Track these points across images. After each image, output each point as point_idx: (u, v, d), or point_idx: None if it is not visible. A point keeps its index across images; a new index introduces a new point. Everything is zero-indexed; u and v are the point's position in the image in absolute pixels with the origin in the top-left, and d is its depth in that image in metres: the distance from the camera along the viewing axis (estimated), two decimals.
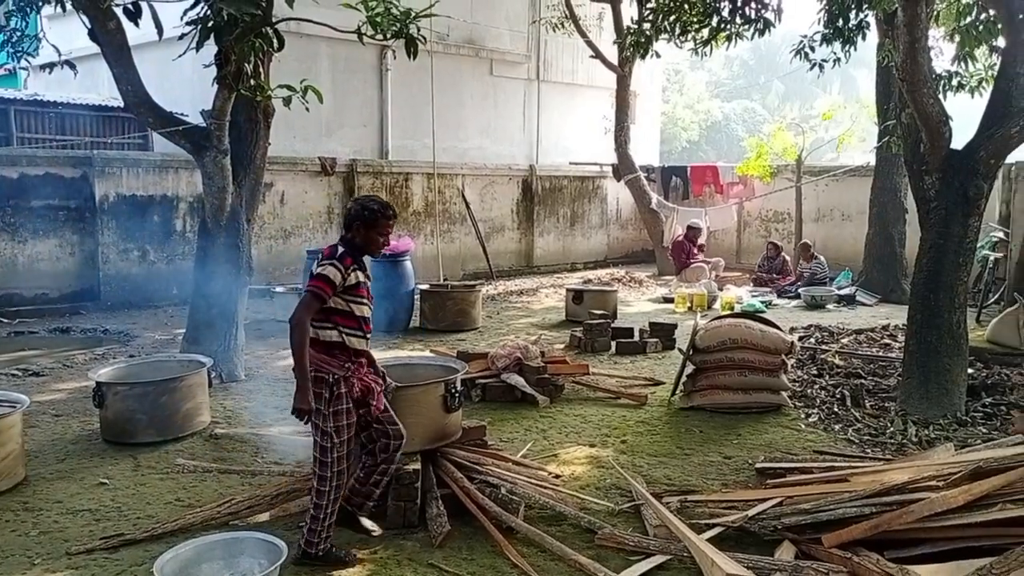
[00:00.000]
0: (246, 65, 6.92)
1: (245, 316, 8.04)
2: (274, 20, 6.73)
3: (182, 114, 8.46)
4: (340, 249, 3.93)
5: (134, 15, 6.45)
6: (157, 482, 5.09)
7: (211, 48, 6.67)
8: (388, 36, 6.44)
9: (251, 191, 7.68)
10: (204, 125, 7.24)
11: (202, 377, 6.15)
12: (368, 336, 4.06)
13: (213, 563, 3.78)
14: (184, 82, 11.70)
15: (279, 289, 11.21)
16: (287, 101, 6.75)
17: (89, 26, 6.98)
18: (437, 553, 4.10)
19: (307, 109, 6.88)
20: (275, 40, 6.79)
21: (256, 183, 7.75)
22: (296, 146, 13.63)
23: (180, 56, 6.62)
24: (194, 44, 6.39)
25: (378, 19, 6.34)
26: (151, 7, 6.66)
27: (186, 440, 5.85)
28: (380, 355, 4.74)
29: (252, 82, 7.04)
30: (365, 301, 4.00)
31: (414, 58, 6.44)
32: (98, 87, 14.68)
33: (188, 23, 6.45)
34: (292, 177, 13.22)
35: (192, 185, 11.80)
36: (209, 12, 6.31)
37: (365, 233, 3.94)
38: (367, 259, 4.07)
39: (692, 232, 14.96)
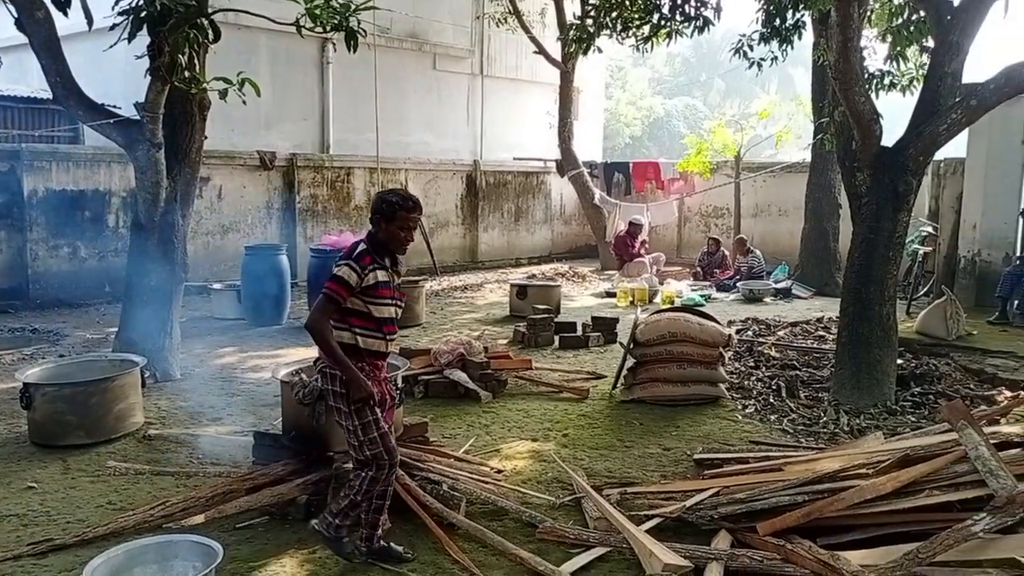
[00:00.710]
0: (180, 56, 6.75)
1: (181, 314, 7.87)
2: (210, 11, 6.59)
3: (115, 106, 8.21)
4: (361, 247, 3.77)
5: (63, 4, 6.25)
6: (87, 485, 4.95)
7: (144, 39, 6.50)
8: (328, 29, 6.36)
9: (186, 186, 7.49)
10: (137, 118, 7.05)
11: (134, 377, 5.99)
12: (390, 338, 3.90)
13: (146, 567, 3.68)
14: (116, 74, 11.38)
15: (216, 286, 11.00)
16: (223, 94, 6.61)
17: (16, 15, 6.73)
18: None
19: (244, 102, 6.75)
20: (211, 31, 6.66)
21: (191, 177, 7.56)
22: (234, 139, 13.36)
23: (111, 47, 6.43)
24: (126, 35, 6.22)
25: (317, 11, 6.26)
26: None
27: (118, 442, 5.69)
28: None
29: (187, 74, 6.87)
30: (387, 301, 3.82)
31: (354, 51, 6.39)
32: (27, 78, 14.17)
33: (120, 13, 6.27)
34: (230, 171, 12.96)
35: (125, 179, 11.47)
36: (141, 2, 6.15)
37: (386, 227, 3.78)
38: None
39: (634, 227, 15.11)
